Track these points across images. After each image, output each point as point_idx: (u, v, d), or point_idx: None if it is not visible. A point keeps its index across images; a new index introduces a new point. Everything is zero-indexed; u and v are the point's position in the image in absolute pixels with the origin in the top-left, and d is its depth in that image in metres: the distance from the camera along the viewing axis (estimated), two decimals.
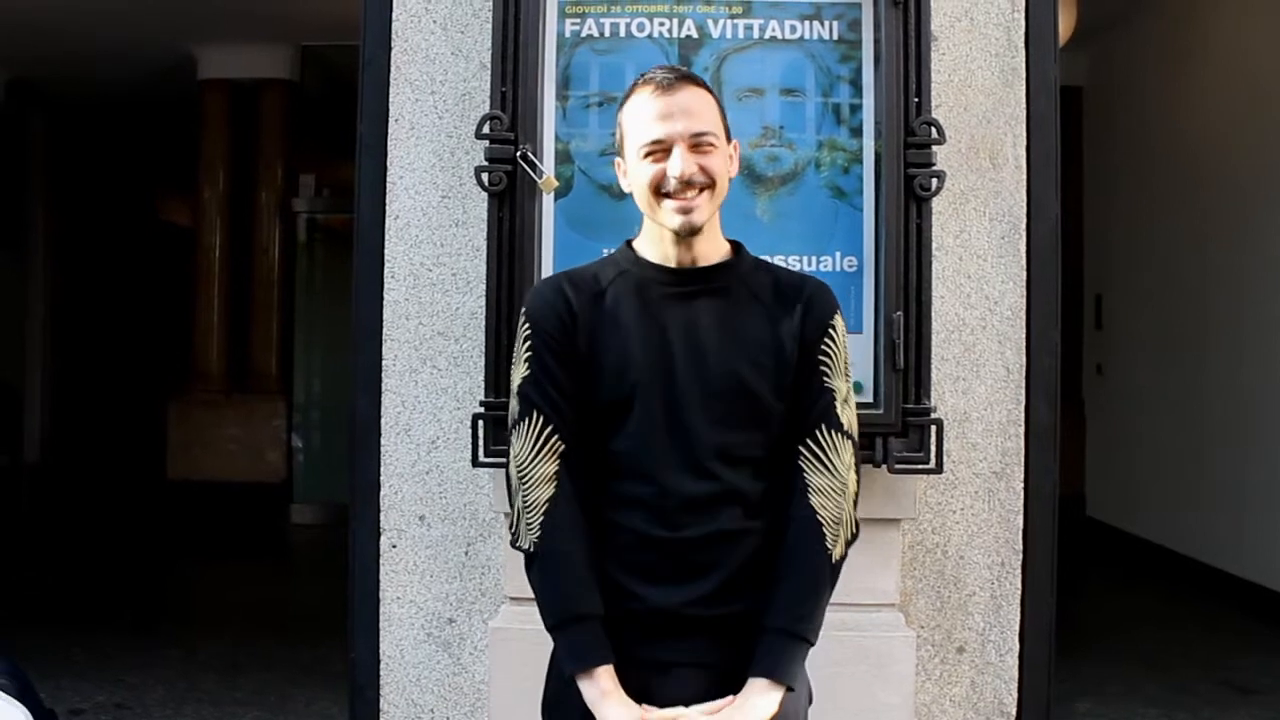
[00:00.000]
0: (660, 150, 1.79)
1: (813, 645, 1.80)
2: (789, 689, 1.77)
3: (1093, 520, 7.59)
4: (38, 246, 10.13)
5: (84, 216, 10.73)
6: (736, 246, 1.91)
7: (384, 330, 2.70)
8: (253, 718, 4.16)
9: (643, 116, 1.81)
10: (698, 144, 1.79)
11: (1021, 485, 2.68)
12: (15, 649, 2.55)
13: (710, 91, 1.87)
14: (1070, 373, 7.39)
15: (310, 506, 8.16)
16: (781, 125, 2.52)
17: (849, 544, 1.84)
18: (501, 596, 2.60)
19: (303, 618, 5.45)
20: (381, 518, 2.70)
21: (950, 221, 2.65)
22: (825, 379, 1.83)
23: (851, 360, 1.93)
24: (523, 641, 2.30)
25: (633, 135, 1.83)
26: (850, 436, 1.84)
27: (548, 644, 1.87)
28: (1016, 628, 2.68)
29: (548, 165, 2.46)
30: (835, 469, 1.81)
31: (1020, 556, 2.68)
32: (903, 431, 2.45)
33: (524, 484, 1.82)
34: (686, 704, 1.77)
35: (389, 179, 2.70)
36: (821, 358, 1.83)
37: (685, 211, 1.79)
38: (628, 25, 2.53)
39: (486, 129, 2.45)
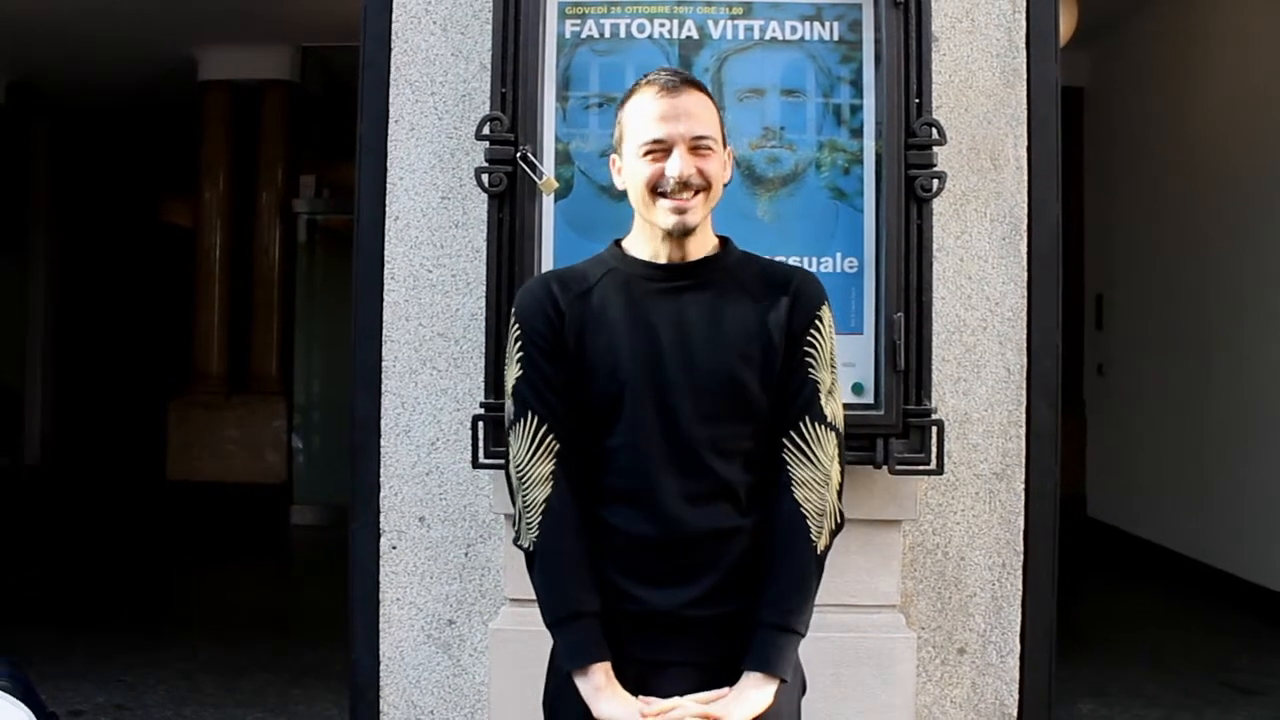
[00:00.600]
0: (660, 150, 1.81)
1: (803, 637, 1.82)
2: (782, 680, 1.78)
3: (1093, 521, 7.59)
4: (39, 248, 10.14)
5: (85, 218, 10.74)
6: (723, 240, 1.91)
7: (384, 331, 2.70)
8: (253, 719, 4.16)
9: (645, 116, 1.82)
10: (697, 147, 1.81)
11: (1022, 486, 2.67)
12: (15, 650, 2.54)
13: (711, 97, 1.88)
14: (1071, 373, 7.39)
15: (310, 508, 8.15)
16: (782, 126, 2.52)
17: (834, 534, 1.85)
18: (501, 598, 2.60)
19: (303, 619, 5.45)
20: (381, 519, 2.70)
21: (951, 222, 2.65)
22: (810, 370, 1.83)
23: (840, 353, 1.95)
24: (523, 643, 2.30)
25: (633, 133, 1.84)
26: (834, 428, 1.85)
27: (548, 645, 1.87)
28: (1018, 629, 2.67)
29: (548, 166, 2.46)
30: (818, 461, 1.82)
31: (1021, 557, 2.67)
32: (903, 432, 2.45)
33: (522, 484, 1.84)
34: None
35: (389, 180, 2.70)
36: (807, 349, 1.83)
37: (680, 212, 1.80)
38: (628, 26, 2.53)
39: (486, 130, 2.45)
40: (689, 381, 1.79)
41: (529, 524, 1.83)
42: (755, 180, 2.50)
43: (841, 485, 1.86)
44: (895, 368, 2.43)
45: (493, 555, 2.67)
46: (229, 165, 8.67)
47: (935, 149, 2.45)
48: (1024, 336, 2.68)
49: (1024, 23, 2.68)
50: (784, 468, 1.82)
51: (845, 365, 2.43)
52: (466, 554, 2.69)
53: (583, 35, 2.52)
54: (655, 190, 1.81)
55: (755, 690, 1.76)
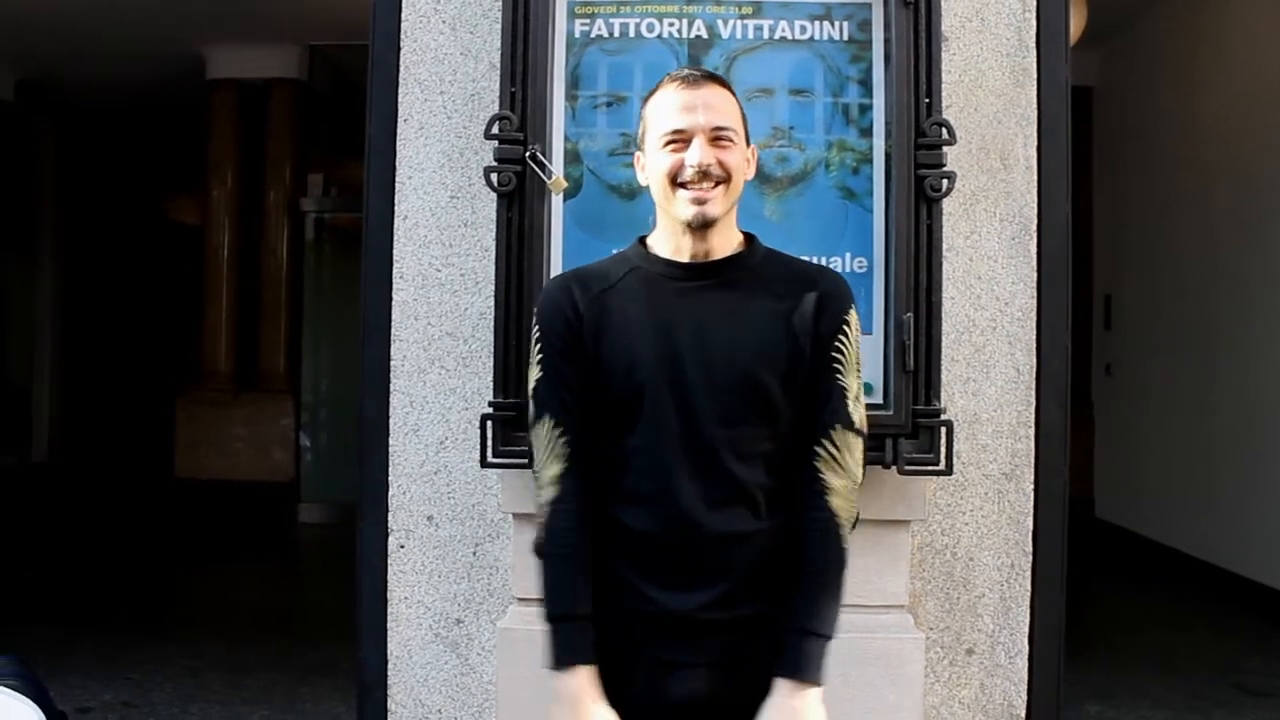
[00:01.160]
0: (680, 141, 1.81)
1: (832, 640, 1.82)
2: (817, 685, 1.78)
3: (1102, 522, 7.57)
4: (47, 246, 10.17)
5: (92, 216, 10.77)
6: (749, 238, 1.91)
7: (392, 330, 2.70)
8: (259, 717, 4.16)
9: (666, 108, 1.83)
10: (717, 138, 1.81)
11: (1031, 487, 2.67)
12: (24, 647, 2.55)
13: (733, 93, 1.89)
14: (1079, 373, 7.36)
15: (318, 506, 8.17)
16: (791, 126, 2.52)
17: (851, 530, 1.86)
18: (509, 597, 2.60)
19: (310, 617, 5.47)
20: (389, 518, 2.70)
21: (961, 222, 2.65)
22: (838, 376, 1.83)
23: (861, 358, 1.93)
24: (530, 642, 2.29)
25: (654, 126, 1.85)
26: (861, 434, 1.86)
27: None
28: (1026, 630, 2.67)
29: (557, 165, 2.46)
30: (849, 469, 1.83)
31: (1030, 558, 2.67)
32: (912, 433, 2.44)
33: (538, 485, 1.86)
34: (696, 702, 1.78)
35: (398, 179, 2.70)
36: (835, 354, 1.83)
37: (700, 203, 1.79)
38: (637, 26, 2.53)
39: (495, 129, 2.45)
40: (708, 382, 1.78)
41: (539, 524, 1.84)
42: (764, 180, 2.50)
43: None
44: (904, 368, 2.42)
45: (501, 554, 2.67)
46: (237, 164, 8.69)
47: (945, 149, 2.44)
48: (1033, 337, 2.67)
49: (1034, 22, 2.67)
50: (818, 476, 1.81)
51: None
52: (474, 553, 2.69)
53: (592, 35, 2.52)
54: (675, 181, 1.81)
55: (792, 699, 1.76)
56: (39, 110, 9.66)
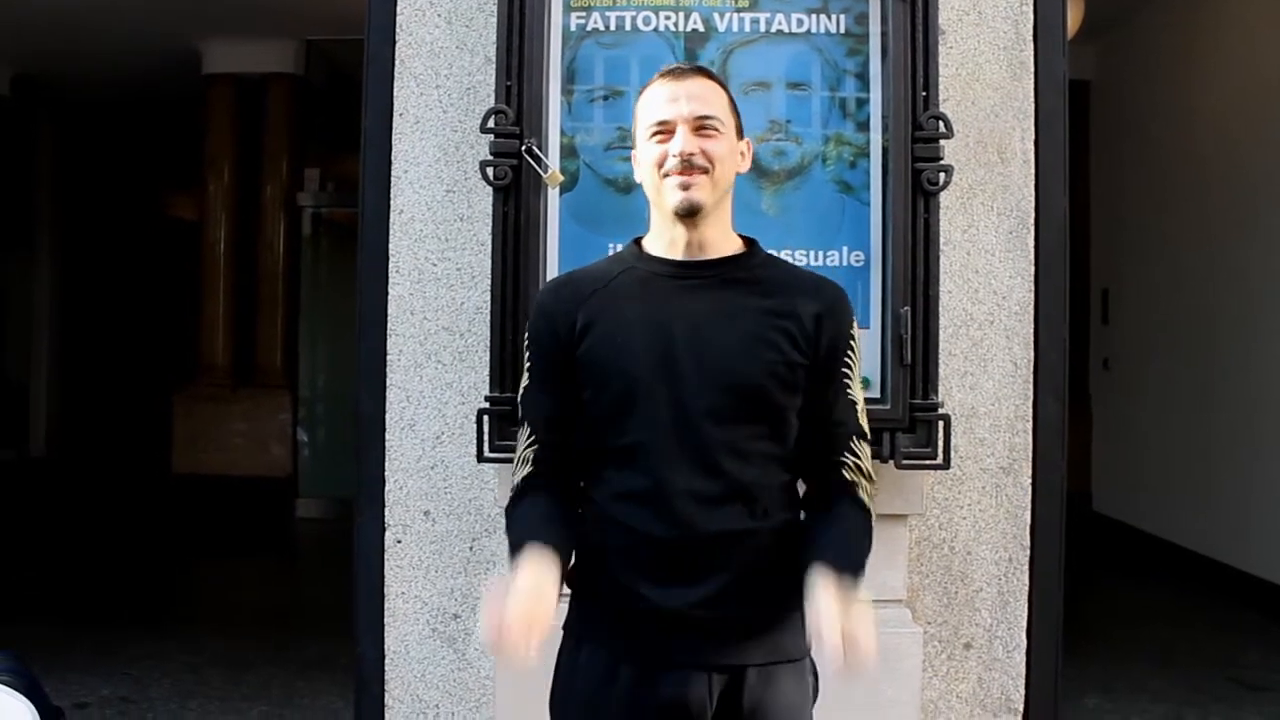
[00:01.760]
0: (665, 131, 1.81)
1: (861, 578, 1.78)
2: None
3: (1099, 516, 7.57)
4: (44, 242, 10.15)
5: (90, 212, 10.76)
6: (750, 242, 1.90)
7: (388, 325, 2.69)
8: (258, 713, 4.16)
9: (653, 101, 1.85)
10: (701, 127, 1.81)
11: (1029, 481, 2.66)
12: (21, 643, 2.54)
13: (722, 85, 1.89)
14: (1077, 368, 7.36)
15: (316, 501, 8.16)
16: (788, 119, 2.51)
17: None
18: None
19: (308, 613, 5.46)
20: (386, 513, 2.69)
21: (958, 216, 2.64)
22: (848, 390, 1.85)
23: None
24: None
25: (642, 119, 1.86)
26: (869, 439, 1.90)
27: (554, 641, 1.87)
28: (1024, 624, 2.67)
29: (553, 159, 2.45)
30: (869, 474, 1.88)
31: (1028, 552, 2.67)
32: (910, 427, 2.44)
33: (511, 483, 1.90)
34: (688, 704, 1.76)
35: (393, 173, 2.69)
36: (844, 368, 1.84)
37: (684, 188, 1.79)
38: (633, 19, 2.52)
39: (491, 123, 2.44)
40: (703, 381, 1.77)
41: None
42: (761, 173, 2.49)
43: None
44: (902, 362, 2.42)
45: (498, 549, 2.66)
46: (233, 158, 8.66)
47: (942, 142, 2.44)
48: (1031, 331, 2.66)
49: (1031, 15, 2.67)
50: (845, 481, 1.86)
51: None
52: (471, 548, 2.68)
53: (588, 28, 2.51)
54: (662, 171, 1.81)
55: (838, 584, 1.69)
56: (36, 105, 9.64)
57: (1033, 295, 2.66)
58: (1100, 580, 6.24)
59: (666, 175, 1.80)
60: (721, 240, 1.85)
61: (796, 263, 2.43)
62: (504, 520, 1.88)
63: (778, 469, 1.82)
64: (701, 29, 2.51)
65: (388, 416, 2.69)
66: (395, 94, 2.69)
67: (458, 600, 2.69)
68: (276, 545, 7.57)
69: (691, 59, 2.48)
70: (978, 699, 2.65)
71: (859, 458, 1.86)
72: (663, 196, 1.82)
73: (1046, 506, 2.67)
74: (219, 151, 8.66)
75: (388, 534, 2.70)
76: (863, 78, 2.51)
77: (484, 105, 2.57)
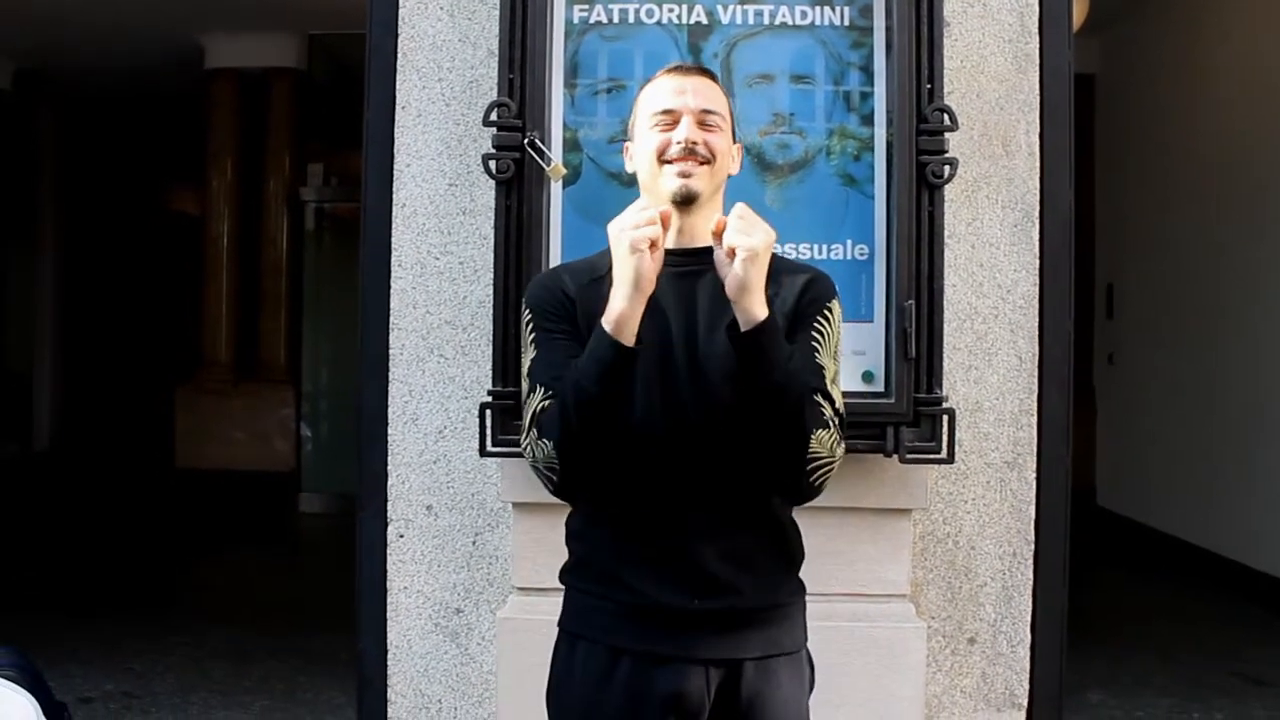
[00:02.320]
0: (669, 120, 1.84)
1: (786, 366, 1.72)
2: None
3: (1103, 510, 7.56)
4: (46, 236, 10.16)
5: (92, 206, 10.76)
6: None
7: (391, 319, 2.69)
8: (261, 707, 4.16)
9: (656, 93, 1.87)
10: (704, 120, 1.84)
11: (1034, 475, 2.65)
12: (24, 637, 2.54)
13: (723, 88, 1.93)
14: (1081, 362, 7.36)
15: (318, 495, 8.15)
16: (792, 112, 2.50)
17: (823, 470, 1.78)
18: (509, 586, 2.59)
19: (311, 607, 5.46)
20: (389, 507, 2.69)
21: (962, 209, 2.63)
22: (815, 355, 1.81)
23: (850, 341, 1.95)
24: (530, 632, 2.29)
25: (645, 109, 1.88)
26: (840, 414, 1.81)
27: (554, 634, 1.87)
28: (1028, 618, 2.66)
29: (556, 153, 2.44)
30: (827, 424, 1.78)
31: (1032, 547, 2.66)
32: (914, 421, 2.43)
33: (526, 448, 1.81)
34: (685, 698, 1.76)
35: (396, 167, 2.69)
36: (814, 333, 1.82)
37: (684, 175, 1.81)
38: (636, 11, 2.51)
39: (494, 116, 2.43)
40: (695, 367, 1.78)
41: (549, 462, 1.77)
42: (765, 167, 2.48)
43: (833, 462, 1.80)
44: (906, 356, 2.41)
45: (500, 544, 2.66)
46: (236, 153, 8.67)
47: (946, 135, 2.42)
48: (1036, 324, 2.65)
49: (1036, 7, 2.66)
50: None
51: (855, 353, 2.42)
52: (474, 542, 2.68)
53: (591, 21, 2.50)
54: (662, 159, 1.83)
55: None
56: (38, 100, 9.64)
57: (1037, 289, 2.65)
58: (1104, 575, 6.23)
59: (667, 162, 1.82)
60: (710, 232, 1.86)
61: (800, 256, 2.43)
62: (539, 446, 1.77)
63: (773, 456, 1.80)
64: (705, 22, 2.50)
65: (390, 411, 2.69)
66: (397, 87, 2.69)
67: (460, 595, 2.68)
68: (279, 540, 7.56)
69: (695, 52, 2.47)
70: (981, 694, 2.65)
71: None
72: (659, 183, 1.83)
73: (1051, 501, 2.66)
74: (222, 146, 8.66)
75: (390, 529, 2.69)
76: (867, 70, 2.49)
77: (486, 98, 2.56)
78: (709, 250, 1.84)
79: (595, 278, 1.84)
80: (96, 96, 9.95)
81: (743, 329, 1.70)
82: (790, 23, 2.51)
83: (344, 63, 8.58)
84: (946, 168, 2.42)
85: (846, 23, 2.50)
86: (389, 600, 2.69)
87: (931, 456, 2.44)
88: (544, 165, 2.39)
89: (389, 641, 2.70)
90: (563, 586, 1.90)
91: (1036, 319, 2.65)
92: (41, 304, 10.15)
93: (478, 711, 2.68)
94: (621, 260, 1.71)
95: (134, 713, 4.09)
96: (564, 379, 1.76)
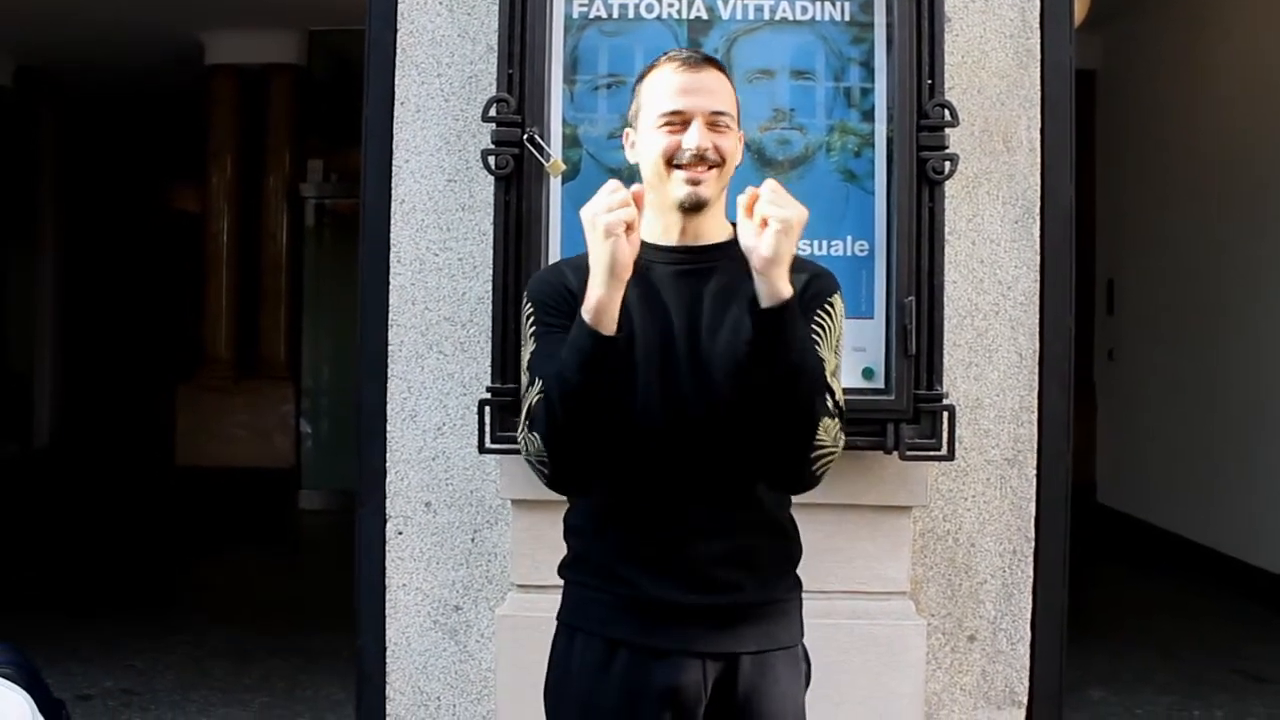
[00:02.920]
0: (678, 122, 1.80)
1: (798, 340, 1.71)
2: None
3: (1103, 507, 7.56)
4: (46, 233, 10.15)
5: (92, 203, 10.75)
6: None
7: (390, 315, 2.68)
8: (260, 704, 4.16)
9: (664, 89, 1.82)
10: (714, 122, 1.80)
11: (1034, 472, 2.65)
12: (24, 635, 2.54)
13: (729, 78, 1.88)
14: (1082, 358, 7.35)
15: (319, 492, 8.14)
16: (792, 108, 2.49)
17: (824, 460, 1.76)
18: (508, 584, 2.59)
19: (311, 604, 5.46)
20: (388, 504, 2.68)
21: (963, 205, 2.62)
22: (816, 346, 1.79)
23: (851, 337, 1.92)
24: (529, 629, 2.28)
25: (651, 105, 1.83)
26: (840, 408, 1.79)
27: (553, 632, 1.86)
28: (1028, 616, 2.65)
29: (555, 149, 2.44)
30: (830, 412, 1.76)
31: (1032, 544, 2.65)
32: (914, 418, 2.42)
33: (522, 439, 1.80)
34: (683, 692, 1.75)
35: (395, 163, 2.68)
36: (815, 325, 1.81)
37: (694, 183, 1.79)
38: (636, 6, 2.50)
39: (493, 111, 2.42)
40: (697, 364, 1.77)
41: (540, 458, 1.76)
42: (765, 162, 2.47)
43: (834, 453, 1.78)
44: (906, 352, 2.40)
45: (499, 541, 2.65)
46: (236, 150, 8.66)
47: (947, 130, 2.41)
48: (1036, 321, 2.65)
49: (1038, 3, 2.65)
50: None
51: (856, 350, 2.41)
52: (473, 540, 2.67)
53: (590, 16, 2.49)
54: (670, 162, 1.80)
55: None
56: (38, 97, 9.63)
57: (1038, 285, 2.65)
58: (1104, 572, 6.22)
59: (677, 168, 1.79)
60: (715, 230, 1.85)
61: (800, 252, 2.41)
62: (530, 439, 1.77)
63: (773, 454, 1.79)
64: (705, 16, 2.49)
65: (389, 407, 2.68)
66: (396, 83, 2.68)
67: (459, 592, 2.68)
68: (279, 537, 7.57)
69: (695, 46, 2.45)
70: (981, 691, 2.64)
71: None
72: (668, 188, 1.81)
73: (1051, 498, 2.66)
74: (221, 143, 8.66)
75: (389, 525, 2.69)
76: (867, 66, 2.49)
77: (486, 94, 2.55)
78: (715, 248, 1.83)
79: None
80: (97, 93, 9.94)
81: (766, 304, 1.67)
82: (791, 18, 2.50)
83: (344, 58, 8.57)
84: (947, 163, 2.41)
85: (847, 18, 2.49)
86: (388, 597, 2.68)
87: (931, 453, 2.44)
88: (543, 161, 2.39)
89: (388, 638, 2.69)
90: (561, 582, 1.90)
91: (1037, 315, 2.65)
92: (41, 302, 10.14)
93: (476, 708, 2.67)
94: (596, 246, 1.68)
95: (133, 710, 4.09)
96: (549, 371, 1.74)
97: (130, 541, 7.21)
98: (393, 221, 2.67)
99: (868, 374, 2.44)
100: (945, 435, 2.43)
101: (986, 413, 2.63)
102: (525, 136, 2.39)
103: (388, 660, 2.69)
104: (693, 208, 1.80)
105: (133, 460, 9.71)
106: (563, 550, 1.91)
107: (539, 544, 2.40)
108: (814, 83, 2.50)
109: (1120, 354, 7.64)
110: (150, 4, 7.54)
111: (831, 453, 1.77)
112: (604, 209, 1.68)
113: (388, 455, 2.68)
